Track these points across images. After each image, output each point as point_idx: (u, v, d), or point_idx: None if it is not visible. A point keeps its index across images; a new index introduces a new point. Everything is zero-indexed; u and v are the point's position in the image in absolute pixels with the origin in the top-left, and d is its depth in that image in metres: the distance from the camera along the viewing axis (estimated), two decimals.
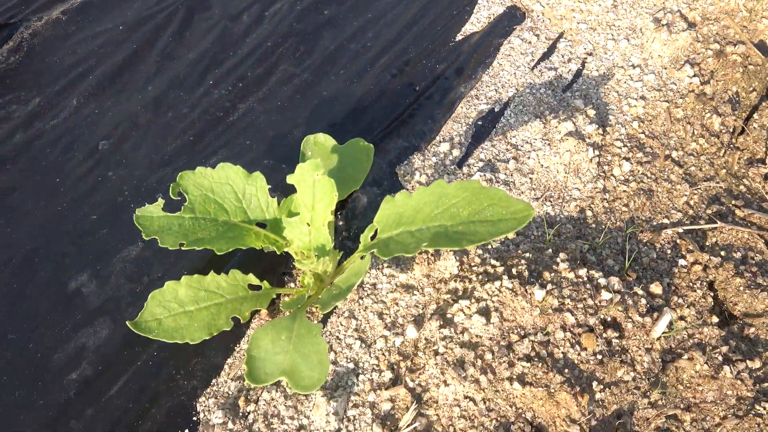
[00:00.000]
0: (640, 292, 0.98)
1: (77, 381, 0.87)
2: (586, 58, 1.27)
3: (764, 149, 1.28)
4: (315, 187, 0.84)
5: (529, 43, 1.29)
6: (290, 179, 0.86)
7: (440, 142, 1.12)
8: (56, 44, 1.32)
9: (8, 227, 1.04)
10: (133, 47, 1.28)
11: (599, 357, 0.89)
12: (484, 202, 0.81)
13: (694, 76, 1.28)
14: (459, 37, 1.29)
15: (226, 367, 0.89)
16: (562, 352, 0.88)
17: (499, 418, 0.84)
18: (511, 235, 1.02)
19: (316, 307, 0.90)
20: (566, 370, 0.87)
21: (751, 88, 1.35)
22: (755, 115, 1.31)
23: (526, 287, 0.92)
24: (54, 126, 1.19)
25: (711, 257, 1.09)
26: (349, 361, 0.88)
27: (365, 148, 0.95)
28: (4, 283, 0.97)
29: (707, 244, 1.13)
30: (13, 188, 1.09)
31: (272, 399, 0.85)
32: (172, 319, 0.82)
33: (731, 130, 1.28)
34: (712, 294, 1.06)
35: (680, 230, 1.11)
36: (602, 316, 0.93)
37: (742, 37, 1.37)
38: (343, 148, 0.96)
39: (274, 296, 0.91)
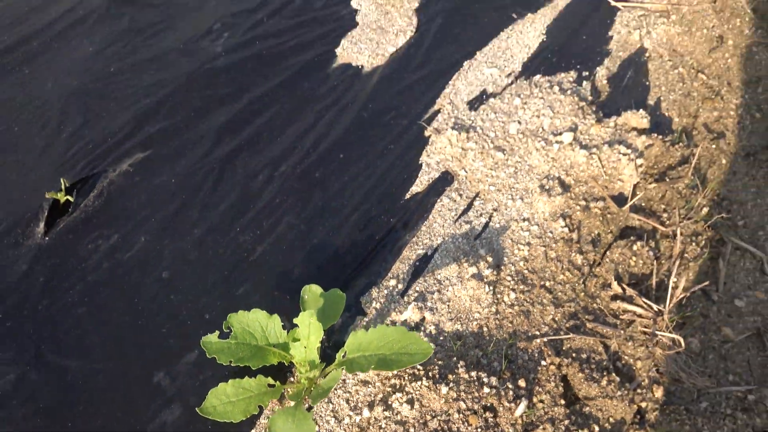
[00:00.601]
0: (511, 385, 1.57)
1: None
2: (492, 213, 1.87)
3: (612, 276, 1.88)
4: (310, 327, 1.42)
5: (455, 201, 1.88)
6: (296, 320, 1.43)
7: (390, 278, 1.71)
8: (127, 191, 1.88)
9: (102, 334, 1.60)
10: (182, 197, 1.85)
11: (480, 431, 1.47)
12: (407, 341, 1.39)
13: (565, 226, 1.88)
14: (407, 196, 1.88)
15: None
16: (457, 427, 1.47)
17: None
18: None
19: (309, 398, 1.47)
20: None
21: (609, 231, 1.96)
22: (608, 252, 1.92)
23: (437, 384, 1.50)
24: (129, 257, 1.74)
25: (564, 359, 1.68)
26: (327, 431, 1.46)
27: (340, 296, 1.53)
28: (105, 375, 1.53)
29: (563, 348, 1.72)
30: (105, 306, 1.65)
31: None
32: (222, 406, 1.39)
33: (591, 263, 1.89)
34: (563, 384, 1.65)
35: (545, 340, 1.70)
36: (483, 403, 1.51)
37: (603, 194, 1.98)
38: (327, 295, 1.55)
39: (282, 390, 1.48)
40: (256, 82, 2.10)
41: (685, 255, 1.94)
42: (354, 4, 2.38)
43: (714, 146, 2.21)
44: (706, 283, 1.84)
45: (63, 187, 1.82)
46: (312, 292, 1.54)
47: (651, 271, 1.87)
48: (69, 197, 1.82)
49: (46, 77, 2.17)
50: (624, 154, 1.98)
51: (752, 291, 1.93)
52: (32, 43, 2.30)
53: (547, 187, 1.91)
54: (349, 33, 2.28)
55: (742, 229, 2.07)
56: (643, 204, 2.01)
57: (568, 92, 2.12)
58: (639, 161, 2.00)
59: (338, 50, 2.23)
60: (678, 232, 1.93)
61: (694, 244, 1.95)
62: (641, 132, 2.08)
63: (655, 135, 2.08)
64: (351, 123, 2.00)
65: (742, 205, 2.11)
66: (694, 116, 2.25)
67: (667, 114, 2.21)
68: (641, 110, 2.10)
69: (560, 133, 1.99)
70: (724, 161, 2.18)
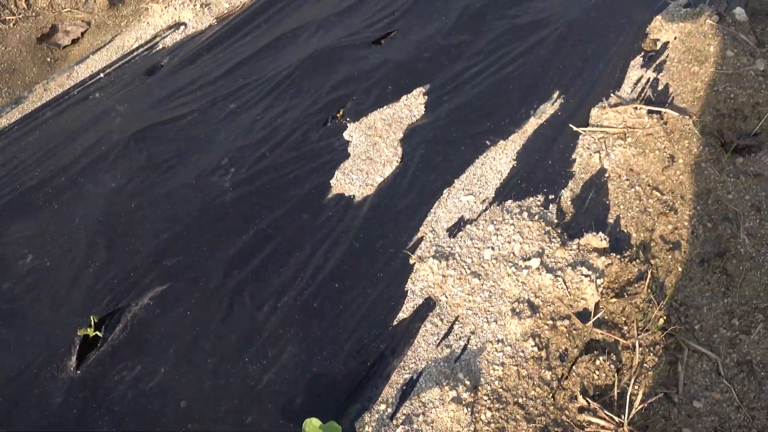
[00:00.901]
0: None
1: None
2: (470, 336, 2.12)
3: (579, 389, 2.12)
4: None
5: (437, 325, 2.14)
6: None
7: (380, 403, 1.95)
8: (148, 324, 2.13)
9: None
10: (197, 328, 2.10)
11: None
12: None
13: (535, 345, 2.14)
14: (395, 322, 2.13)
15: None
16: None
17: None
18: None
19: None
20: None
21: (575, 346, 2.21)
22: (575, 366, 2.16)
23: None
24: (150, 387, 1.98)
25: None
26: None
27: (336, 429, 1.77)
28: None
29: None
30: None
31: None
32: None
33: (560, 376, 2.13)
34: None
35: None
36: None
37: (568, 312, 2.24)
38: (326, 427, 1.78)
39: None
40: (260, 215, 2.38)
41: (645, 365, 2.18)
42: (346, 135, 2.69)
43: (670, 256, 2.47)
44: (662, 393, 2.08)
45: (92, 323, 2.08)
46: (312, 425, 1.78)
47: (613, 382, 2.11)
48: (98, 332, 2.07)
49: (74, 212, 2.45)
50: (586, 275, 2.25)
51: (709, 392, 2.17)
52: (60, 178, 2.60)
53: (518, 310, 2.16)
54: (342, 164, 2.57)
55: (698, 332, 2.32)
56: (606, 317, 2.27)
57: (536, 217, 2.40)
58: (599, 281, 2.27)
59: (333, 181, 2.52)
60: (637, 344, 2.18)
61: (652, 354, 2.19)
62: (601, 252, 2.35)
63: (614, 255, 2.35)
64: (345, 253, 2.27)
65: (698, 309, 2.37)
66: (650, 230, 2.53)
67: (626, 230, 2.49)
68: (600, 233, 2.37)
69: (529, 258, 2.27)
70: (680, 269, 2.45)
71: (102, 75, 3.27)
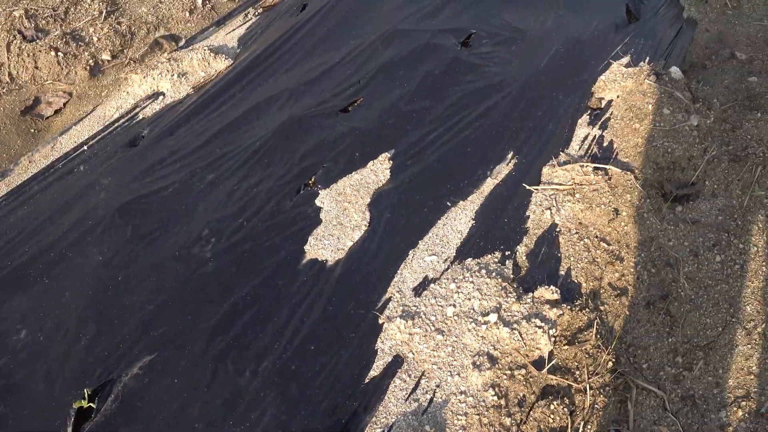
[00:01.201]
0: None
1: None
2: (435, 390, 2.32)
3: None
4: None
5: (405, 381, 2.34)
6: None
7: None
8: (138, 393, 2.30)
9: None
10: (184, 395, 2.27)
11: None
12: None
13: (495, 394, 2.34)
14: (366, 380, 2.33)
15: None
16: None
17: None
18: None
19: None
20: None
21: (532, 392, 2.42)
22: (532, 411, 2.37)
23: None
24: None
25: None
26: None
27: None
28: None
29: None
30: None
31: None
32: None
33: (518, 422, 2.33)
34: None
35: None
36: None
37: (525, 361, 2.45)
38: None
39: None
40: (240, 283, 2.58)
41: (596, 405, 2.40)
42: (318, 202, 2.91)
43: (618, 302, 2.71)
44: (614, 430, 2.29)
45: (86, 395, 2.24)
46: None
47: (567, 424, 2.32)
48: (92, 404, 2.23)
49: (64, 287, 2.63)
50: (539, 327, 2.47)
51: (657, 426, 2.39)
52: (50, 254, 2.77)
53: (478, 363, 2.37)
54: (315, 230, 2.79)
55: (646, 371, 2.55)
56: (559, 364, 2.48)
57: (494, 273, 2.63)
58: (552, 331, 2.49)
59: (306, 247, 2.73)
60: (587, 387, 2.40)
61: (602, 395, 2.41)
62: (553, 304, 2.58)
63: (565, 305, 2.58)
64: (319, 316, 2.47)
65: (645, 349, 2.60)
66: (599, 278, 2.77)
67: (576, 280, 2.73)
68: (552, 286, 2.61)
69: (487, 314, 2.49)
70: (627, 313, 2.68)
71: (86, 147, 3.47)
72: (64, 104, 3.93)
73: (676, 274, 2.79)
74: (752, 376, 2.46)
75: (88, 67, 4.01)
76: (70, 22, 4.24)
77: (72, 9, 4.32)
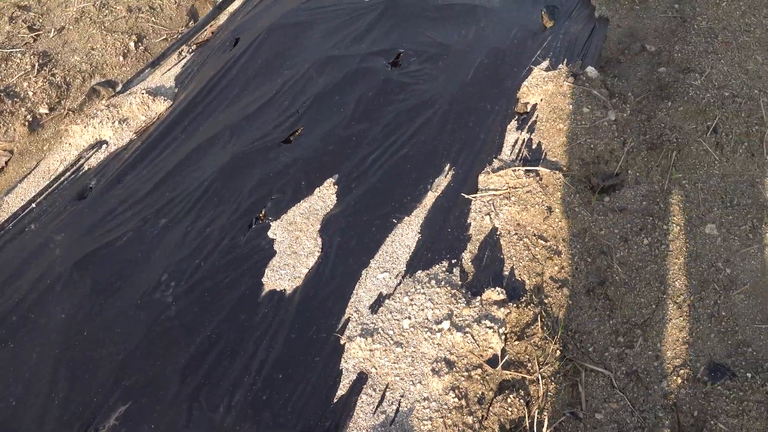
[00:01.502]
0: None
1: None
2: (400, 400, 2.48)
3: (497, 427, 2.51)
4: None
5: (371, 395, 2.49)
6: None
7: None
8: None
9: None
10: None
11: None
12: None
13: (455, 396, 2.51)
14: (335, 400, 2.47)
15: None
16: None
17: None
18: None
19: None
20: None
21: (490, 389, 2.60)
22: (491, 407, 2.55)
23: None
24: None
25: None
26: None
27: None
28: None
29: None
30: None
31: None
32: None
33: (480, 418, 2.51)
34: None
35: None
36: None
37: (479, 361, 2.64)
38: None
39: None
40: (203, 323, 2.68)
41: (549, 393, 2.60)
42: (270, 233, 3.03)
43: (560, 293, 2.92)
44: (569, 413, 2.49)
45: None
46: None
47: (524, 414, 2.51)
48: None
49: (31, 349, 2.68)
50: (490, 327, 2.66)
51: (607, 403, 2.60)
52: (12, 318, 2.82)
53: (437, 369, 2.54)
54: (271, 262, 2.91)
55: (592, 354, 2.76)
56: (512, 359, 2.67)
57: (443, 282, 2.81)
58: (502, 329, 2.68)
59: (264, 279, 2.85)
60: (539, 377, 2.60)
61: (554, 383, 2.61)
62: (501, 304, 2.77)
63: (511, 304, 2.77)
64: (283, 344, 2.60)
65: (589, 334, 2.81)
66: (540, 274, 2.98)
67: (520, 278, 2.93)
68: (498, 287, 2.80)
69: (441, 322, 2.66)
70: (570, 302, 2.90)
71: (34, 205, 3.50)
72: (6, 162, 3.93)
73: (610, 260, 3.02)
74: (687, 346, 2.71)
75: (26, 123, 4.03)
76: (3, 78, 4.24)
77: (3, 65, 4.32)
